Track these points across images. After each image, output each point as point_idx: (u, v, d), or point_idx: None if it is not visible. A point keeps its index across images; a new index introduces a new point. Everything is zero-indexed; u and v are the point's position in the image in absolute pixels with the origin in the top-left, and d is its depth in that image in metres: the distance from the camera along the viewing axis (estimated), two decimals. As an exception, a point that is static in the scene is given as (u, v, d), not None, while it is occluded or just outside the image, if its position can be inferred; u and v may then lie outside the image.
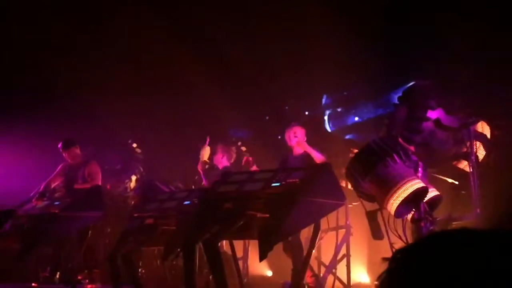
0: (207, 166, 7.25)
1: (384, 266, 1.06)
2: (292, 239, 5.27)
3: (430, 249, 1.02)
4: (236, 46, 8.54)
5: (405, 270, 1.01)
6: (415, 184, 3.76)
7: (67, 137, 7.17)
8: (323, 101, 9.14)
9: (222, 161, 6.61)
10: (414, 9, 7.13)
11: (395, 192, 3.75)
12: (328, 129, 8.87)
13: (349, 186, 4.98)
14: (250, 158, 6.24)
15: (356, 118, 8.68)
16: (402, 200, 3.73)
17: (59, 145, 7.05)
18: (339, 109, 8.94)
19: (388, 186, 3.78)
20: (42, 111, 9.00)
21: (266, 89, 8.45)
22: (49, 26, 8.18)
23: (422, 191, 3.81)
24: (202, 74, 8.69)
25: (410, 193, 3.73)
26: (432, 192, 3.92)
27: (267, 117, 9.39)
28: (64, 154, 7.04)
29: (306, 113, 5.82)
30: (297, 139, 5.88)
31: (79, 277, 6.82)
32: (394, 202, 3.75)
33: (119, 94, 8.90)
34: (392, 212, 3.80)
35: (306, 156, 5.80)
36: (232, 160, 6.68)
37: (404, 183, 3.75)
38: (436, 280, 0.96)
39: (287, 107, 9.10)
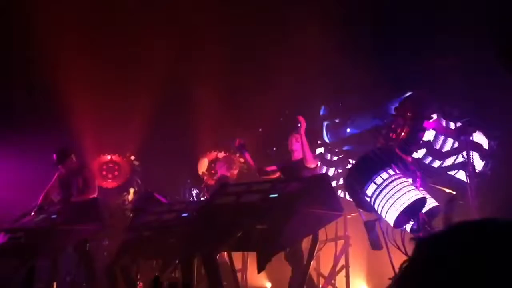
0: (205, 178, 7.28)
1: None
2: (292, 248, 5.28)
3: (457, 239, 1.00)
4: (232, 57, 8.57)
5: (431, 260, 0.98)
6: (414, 194, 3.77)
7: (60, 149, 6.85)
8: (321, 112, 9.15)
9: (221, 170, 6.70)
10: (411, 17, 7.16)
11: (393, 202, 3.75)
12: (326, 140, 8.87)
13: (348, 197, 4.99)
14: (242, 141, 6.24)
15: (348, 130, 8.68)
16: (401, 211, 3.73)
17: (54, 157, 6.75)
18: (337, 120, 8.94)
19: (387, 196, 3.78)
20: (40, 120, 8.98)
21: (262, 100, 8.45)
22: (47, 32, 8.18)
23: (421, 202, 3.81)
24: (200, 84, 8.72)
25: (409, 203, 3.73)
26: (431, 203, 3.92)
27: (260, 129, 9.41)
28: (59, 167, 6.87)
29: (299, 125, 5.85)
30: (298, 143, 5.93)
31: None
32: (392, 213, 3.75)
33: (117, 104, 8.90)
34: (391, 223, 3.80)
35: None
36: (236, 172, 6.71)
37: (403, 194, 3.75)
38: (464, 270, 0.93)
39: (282, 119, 9.12)
